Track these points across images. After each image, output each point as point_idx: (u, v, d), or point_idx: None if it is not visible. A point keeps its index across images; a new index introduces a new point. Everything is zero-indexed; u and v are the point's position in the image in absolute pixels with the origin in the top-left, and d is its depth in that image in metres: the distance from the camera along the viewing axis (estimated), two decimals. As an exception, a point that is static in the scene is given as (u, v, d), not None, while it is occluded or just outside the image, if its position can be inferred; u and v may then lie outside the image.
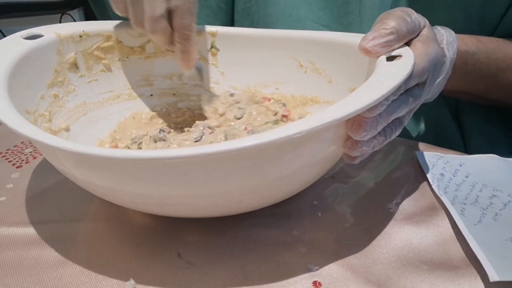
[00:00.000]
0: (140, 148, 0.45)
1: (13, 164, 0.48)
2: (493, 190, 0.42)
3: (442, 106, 0.59)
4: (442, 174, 0.45)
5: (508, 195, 0.42)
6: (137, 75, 0.52)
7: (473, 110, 0.60)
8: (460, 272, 0.35)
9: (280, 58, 0.50)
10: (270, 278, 0.34)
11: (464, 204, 0.41)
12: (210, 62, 0.52)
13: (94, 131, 0.47)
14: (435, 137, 0.59)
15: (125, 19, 0.47)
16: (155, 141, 0.44)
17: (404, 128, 0.38)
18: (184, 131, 0.47)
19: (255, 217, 0.39)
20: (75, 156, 0.32)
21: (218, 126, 0.46)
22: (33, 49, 0.42)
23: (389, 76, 0.33)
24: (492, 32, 0.55)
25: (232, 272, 0.35)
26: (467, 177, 0.44)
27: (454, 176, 0.45)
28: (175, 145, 0.43)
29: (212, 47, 0.51)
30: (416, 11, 0.39)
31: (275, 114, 0.46)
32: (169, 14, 0.43)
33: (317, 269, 0.35)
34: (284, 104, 0.48)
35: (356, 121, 0.33)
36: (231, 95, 0.49)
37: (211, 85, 0.52)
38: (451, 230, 0.39)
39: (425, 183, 0.45)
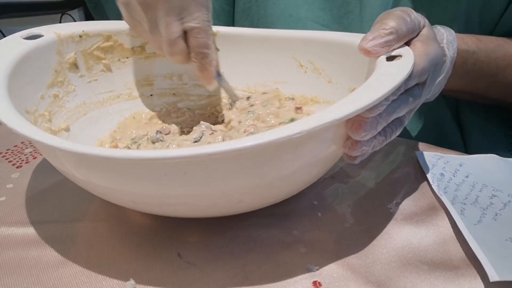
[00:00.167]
0: (139, 149, 0.45)
1: (13, 164, 0.48)
2: (493, 190, 0.42)
3: (442, 105, 0.59)
4: (442, 174, 0.45)
5: (508, 195, 0.42)
6: (137, 75, 0.52)
7: (473, 109, 0.60)
8: (460, 272, 0.35)
9: (280, 58, 0.50)
10: (270, 278, 0.34)
11: (464, 204, 0.41)
12: None
13: (94, 131, 0.47)
14: (435, 136, 0.59)
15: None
16: (153, 142, 0.44)
17: (404, 128, 0.38)
18: (184, 131, 0.47)
19: (255, 217, 0.39)
20: (75, 156, 0.32)
21: (221, 129, 0.46)
22: (33, 49, 0.42)
23: (389, 76, 0.33)
24: (492, 31, 0.55)
25: (232, 272, 0.35)
26: (467, 177, 0.44)
27: (454, 176, 0.45)
28: (174, 145, 0.43)
29: None
30: (416, 10, 0.39)
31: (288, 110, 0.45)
32: (185, 34, 0.43)
33: (317, 269, 0.35)
34: (292, 98, 0.48)
35: (356, 121, 0.33)
36: (247, 98, 0.48)
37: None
38: (451, 230, 0.39)
39: (425, 183, 0.45)
